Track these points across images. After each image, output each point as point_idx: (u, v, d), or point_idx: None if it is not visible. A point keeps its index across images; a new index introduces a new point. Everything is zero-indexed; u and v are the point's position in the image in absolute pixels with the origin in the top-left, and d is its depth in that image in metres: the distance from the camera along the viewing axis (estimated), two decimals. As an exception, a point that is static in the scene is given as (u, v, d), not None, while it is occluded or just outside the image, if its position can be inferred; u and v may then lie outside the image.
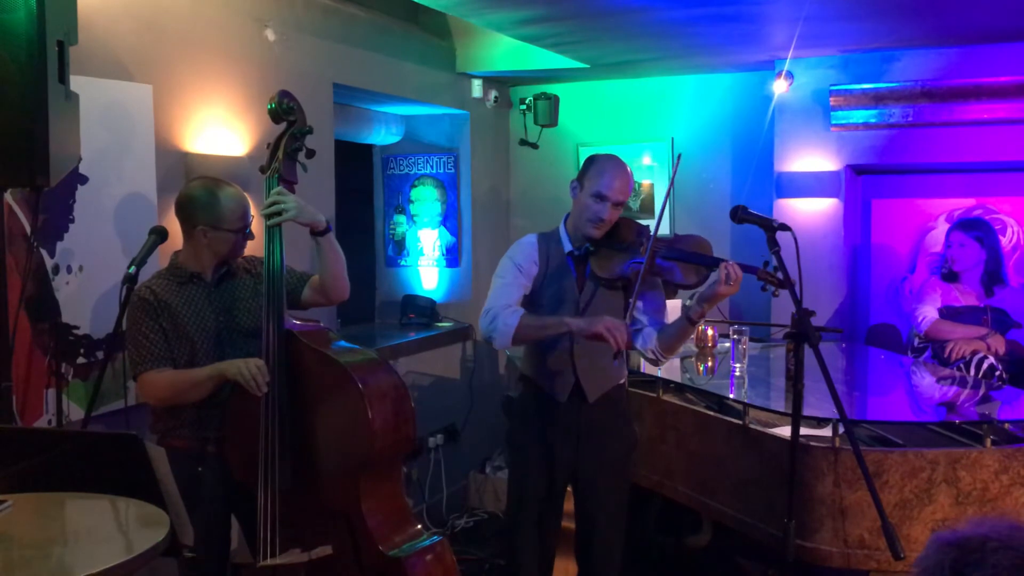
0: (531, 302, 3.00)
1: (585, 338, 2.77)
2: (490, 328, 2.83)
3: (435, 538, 2.73)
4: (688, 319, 2.83)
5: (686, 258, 2.84)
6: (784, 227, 2.69)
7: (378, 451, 2.57)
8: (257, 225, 2.81)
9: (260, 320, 2.66)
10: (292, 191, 2.71)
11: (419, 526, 2.75)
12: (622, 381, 3.09)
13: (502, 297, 2.88)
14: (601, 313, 2.87)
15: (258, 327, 2.67)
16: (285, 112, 2.69)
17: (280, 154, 2.69)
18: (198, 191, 2.73)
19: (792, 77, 4.96)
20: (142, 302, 2.67)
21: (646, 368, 4.03)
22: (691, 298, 2.91)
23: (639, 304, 2.97)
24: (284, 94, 2.71)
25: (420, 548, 2.64)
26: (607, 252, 2.91)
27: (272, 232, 2.65)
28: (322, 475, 2.62)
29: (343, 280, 2.82)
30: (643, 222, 3.01)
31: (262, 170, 2.73)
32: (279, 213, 2.62)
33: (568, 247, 2.99)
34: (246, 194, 2.84)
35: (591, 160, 2.98)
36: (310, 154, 2.72)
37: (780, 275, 2.67)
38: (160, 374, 2.65)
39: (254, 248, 2.90)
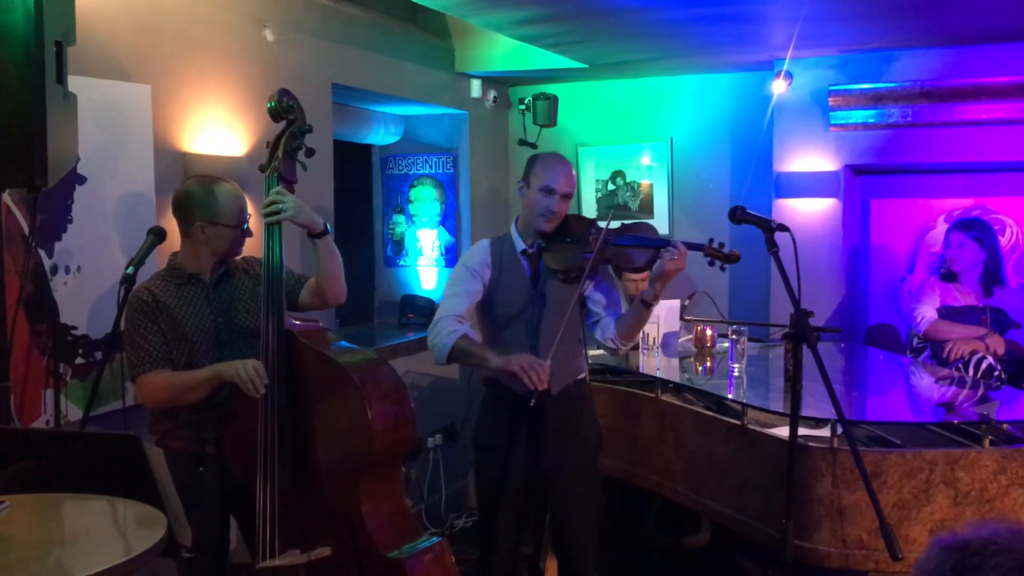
0: (488, 302, 3.08)
1: (503, 374, 2.89)
2: (432, 343, 2.99)
3: (434, 539, 2.72)
4: (644, 302, 2.96)
5: (635, 242, 2.98)
6: (782, 227, 2.69)
7: (378, 452, 2.57)
8: (256, 224, 2.81)
9: (259, 320, 2.65)
10: (292, 190, 2.71)
11: (418, 527, 2.75)
12: (582, 376, 3.15)
13: (450, 308, 2.99)
14: (555, 305, 3.01)
15: (257, 327, 2.67)
16: (285, 111, 2.69)
17: (280, 153, 2.68)
18: (194, 187, 2.74)
19: (791, 77, 4.96)
20: (140, 303, 2.67)
21: (645, 368, 4.04)
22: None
23: (595, 297, 3.10)
24: (284, 92, 2.70)
25: (420, 549, 2.64)
26: (559, 246, 3.01)
27: (271, 230, 2.64)
28: (321, 476, 2.61)
29: (340, 283, 2.82)
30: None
31: (261, 169, 2.72)
32: (278, 212, 2.62)
33: (521, 246, 3.07)
34: (244, 194, 2.84)
35: (534, 159, 3.09)
36: (310, 153, 2.71)
37: (726, 250, 2.92)
38: (158, 376, 2.65)
39: (253, 249, 2.90)
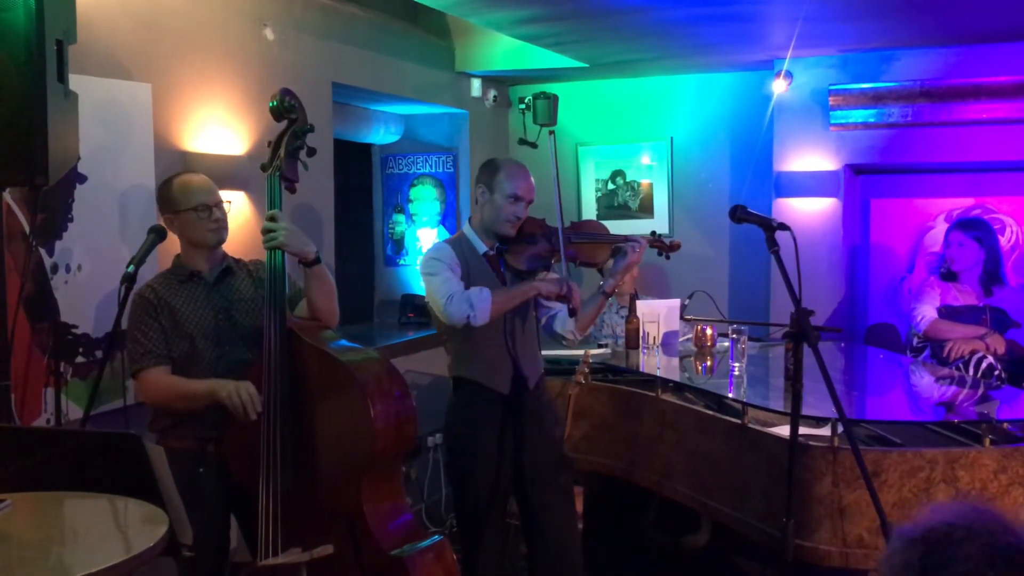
0: None
1: (549, 297, 3.05)
2: (467, 308, 2.91)
3: (435, 538, 2.72)
4: (603, 292, 3.17)
5: (593, 239, 3.19)
6: (783, 227, 2.69)
7: (380, 450, 2.57)
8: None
9: (260, 321, 2.65)
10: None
11: (419, 525, 2.75)
12: (543, 370, 3.26)
13: (453, 285, 2.98)
14: (526, 304, 3.12)
15: (257, 327, 2.67)
16: (287, 110, 2.69)
17: (282, 152, 2.68)
18: (162, 183, 2.81)
19: (791, 77, 4.97)
20: (143, 300, 2.69)
21: (645, 367, 4.04)
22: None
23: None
24: (285, 92, 2.70)
25: (421, 547, 2.64)
26: (519, 247, 3.12)
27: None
28: (323, 475, 2.61)
29: (331, 312, 2.78)
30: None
31: (263, 168, 2.72)
32: (271, 240, 2.61)
33: (482, 248, 3.12)
34: (209, 181, 2.83)
35: (495, 166, 3.12)
36: (311, 152, 2.71)
37: (667, 240, 3.35)
38: (160, 377, 2.66)
39: (255, 252, 2.90)
